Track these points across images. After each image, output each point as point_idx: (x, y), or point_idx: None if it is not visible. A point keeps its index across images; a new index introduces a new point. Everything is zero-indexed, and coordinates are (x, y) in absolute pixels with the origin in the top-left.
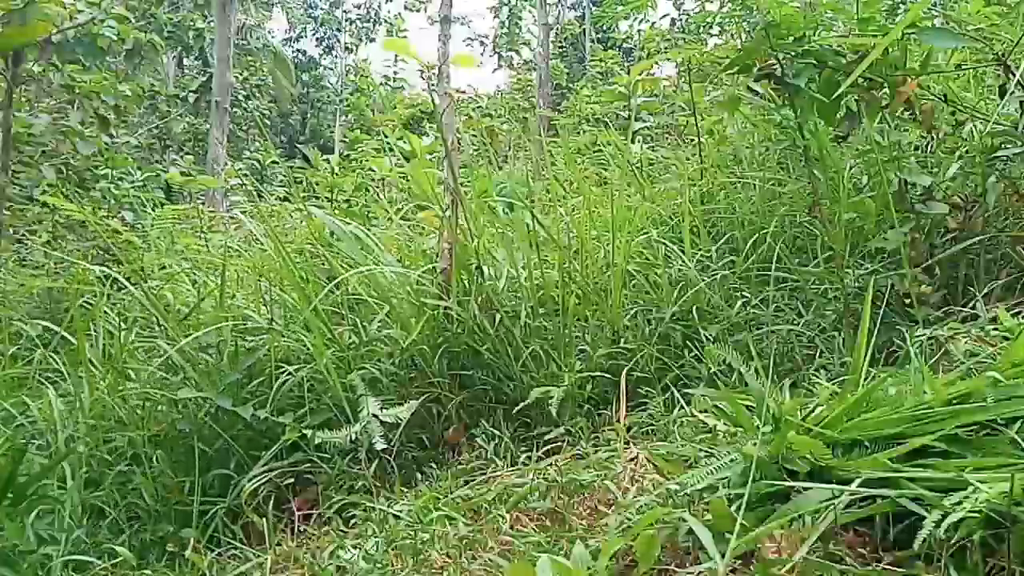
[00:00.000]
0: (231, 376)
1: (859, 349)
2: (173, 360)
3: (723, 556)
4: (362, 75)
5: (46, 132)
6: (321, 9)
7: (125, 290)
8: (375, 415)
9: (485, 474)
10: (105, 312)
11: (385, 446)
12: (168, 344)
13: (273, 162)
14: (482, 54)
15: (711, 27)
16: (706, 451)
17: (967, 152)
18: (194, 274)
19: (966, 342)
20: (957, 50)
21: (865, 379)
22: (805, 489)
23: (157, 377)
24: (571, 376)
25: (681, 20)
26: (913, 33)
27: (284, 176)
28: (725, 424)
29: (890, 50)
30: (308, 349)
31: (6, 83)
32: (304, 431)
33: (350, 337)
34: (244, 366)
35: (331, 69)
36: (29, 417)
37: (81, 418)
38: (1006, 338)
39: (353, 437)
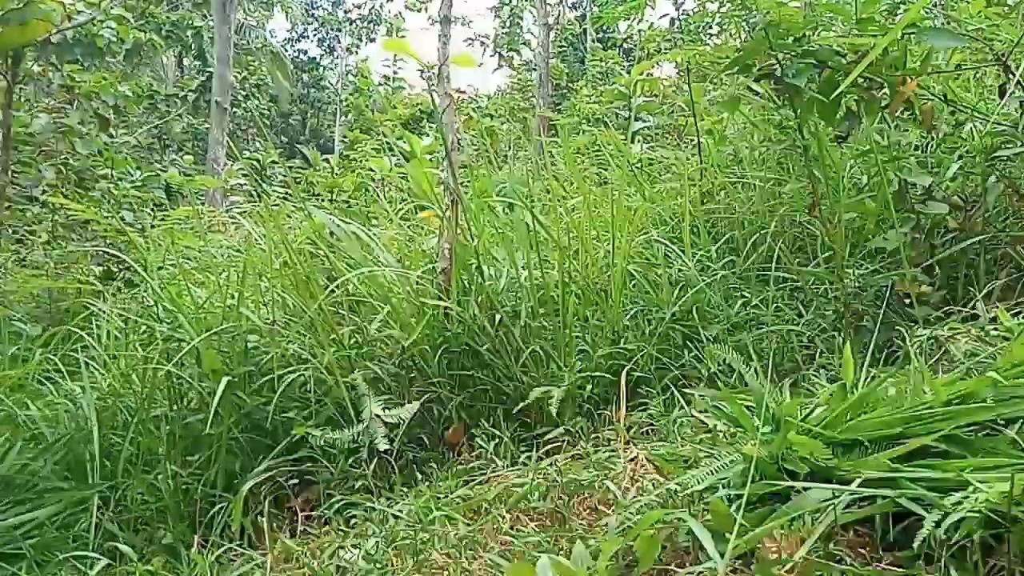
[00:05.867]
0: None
1: (847, 356)
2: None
3: (723, 556)
4: (361, 75)
5: (45, 132)
6: (323, 9)
7: (125, 290)
8: (377, 415)
9: (485, 474)
10: (106, 312)
11: (388, 447)
12: (177, 340)
13: (273, 162)
14: (482, 54)
15: (710, 27)
16: (706, 451)
17: (967, 152)
18: (195, 275)
19: (966, 342)
20: (957, 50)
21: (865, 379)
22: (805, 489)
23: (161, 373)
24: (571, 376)
25: (680, 20)
26: (913, 33)
27: (284, 176)
28: (725, 424)
29: (890, 50)
30: (309, 349)
31: (6, 83)
32: (310, 430)
33: (351, 337)
34: (250, 364)
35: (331, 69)
36: (30, 416)
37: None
38: (1006, 338)
39: (355, 437)
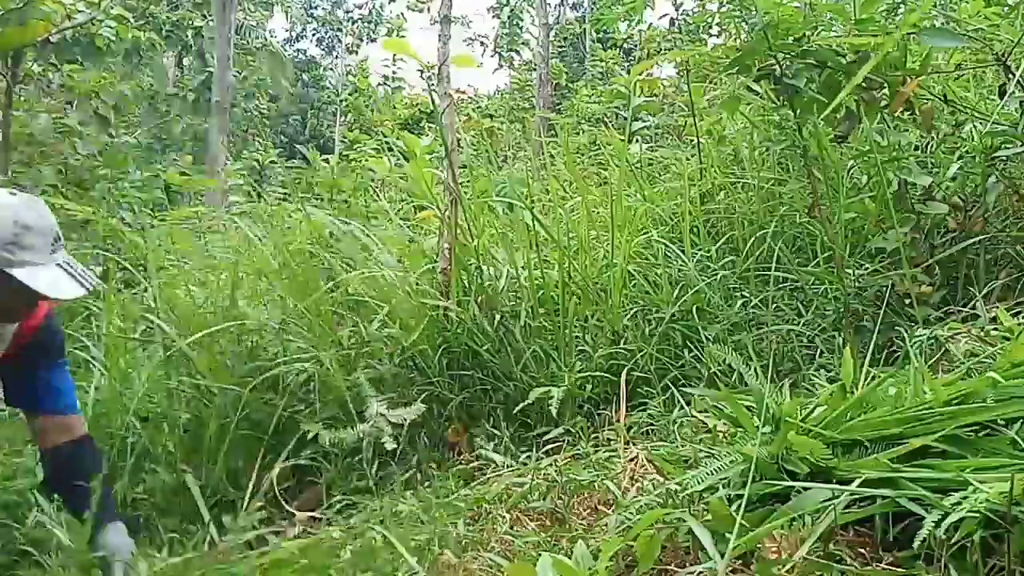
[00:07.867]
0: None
1: (847, 356)
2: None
3: (723, 556)
4: (360, 75)
5: (45, 132)
6: (323, 9)
7: (124, 290)
8: (382, 414)
9: (485, 474)
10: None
11: (395, 446)
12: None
13: (272, 162)
14: (482, 54)
15: (710, 27)
16: (706, 451)
17: (967, 152)
18: (195, 275)
19: (966, 342)
20: (957, 50)
21: (864, 379)
22: (805, 489)
23: (161, 373)
24: (571, 376)
25: (680, 20)
26: (913, 33)
27: (284, 176)
28: (725, 424)
29: (890, 50)
30: (310, 349)
31: (6, 83)
32: (314, 428)
33: (351, 337)
34: (250, 363)
35: (331, 69)
36: None
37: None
38: (1006, 338)
39: (360, 437)
